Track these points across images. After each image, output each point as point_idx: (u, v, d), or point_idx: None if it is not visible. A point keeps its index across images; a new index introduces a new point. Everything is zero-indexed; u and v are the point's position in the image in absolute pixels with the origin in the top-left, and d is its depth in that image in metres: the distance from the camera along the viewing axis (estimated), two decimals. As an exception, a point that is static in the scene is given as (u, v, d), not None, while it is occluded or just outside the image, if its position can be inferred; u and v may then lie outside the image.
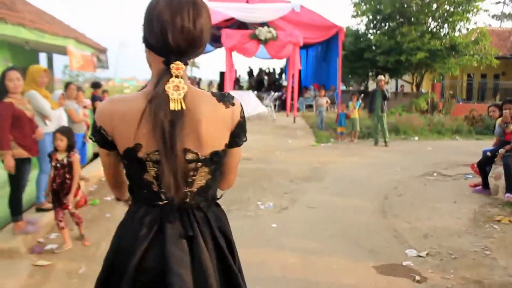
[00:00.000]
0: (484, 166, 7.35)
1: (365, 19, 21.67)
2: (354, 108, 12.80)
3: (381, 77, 12.24)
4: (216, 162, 1.55)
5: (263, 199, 6.59)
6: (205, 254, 1.50)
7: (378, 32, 20.91)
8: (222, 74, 25.41)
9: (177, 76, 1.40)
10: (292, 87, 16.02)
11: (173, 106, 1.38)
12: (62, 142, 4.63)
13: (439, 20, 19.81)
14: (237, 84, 22.15)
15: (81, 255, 4.51)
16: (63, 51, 10.34)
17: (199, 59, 42.15)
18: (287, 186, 7.51)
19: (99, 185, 7.56)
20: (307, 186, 7.52)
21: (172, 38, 1.39)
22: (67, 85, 7.60)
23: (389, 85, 25.82)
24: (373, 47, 20.90)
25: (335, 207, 6.28)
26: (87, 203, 5.45)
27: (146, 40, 1.48)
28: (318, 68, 21.95)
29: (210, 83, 28.39)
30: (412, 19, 19.51)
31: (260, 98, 16.16)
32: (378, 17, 20.92)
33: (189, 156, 1.47)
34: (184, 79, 1.43)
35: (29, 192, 5.30)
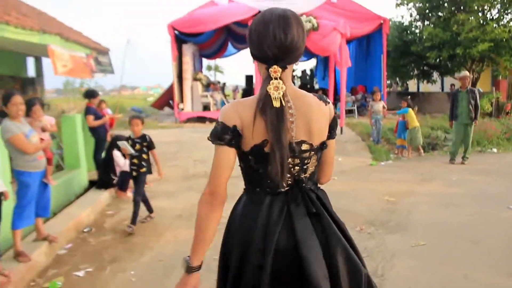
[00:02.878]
0: None
1: (411, 8, 18.82)
2: (415, 114, 10.08)
3: (465, 73, 9.46)
4: (322, 151, 1.83)
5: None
6: (333, 227, 1.78)
7: (428, 23, 18.03)
8: (248, 78, 23.00)
9: (276, 78, 1.65)
10: (336, 89, 13.31)
11: (275, 103, 1.63)
12: None
13: (499, 6, 16.74)
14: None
15: None
16: (44, 52, 7.94)
17: (223, 63, 39.96)
18: (357, 239, 4.85)
19: (75, 244, 5.11)
20: (389, 241, 4.86)
21: (267, 46, 1.64)
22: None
23: (436, 84, 22.88)
24: (422, 41, 18.02)
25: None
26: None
27: (251, 51, 1.72)
28: (358, 67, 19.21)
29: (236, 89, 25.97)
30: (467, 7, 16.57)
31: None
32: (427, 5, 18.01)
33: (304, 146, 1.74)
34: (285, 81, 1.66)
35: None
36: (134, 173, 5.63)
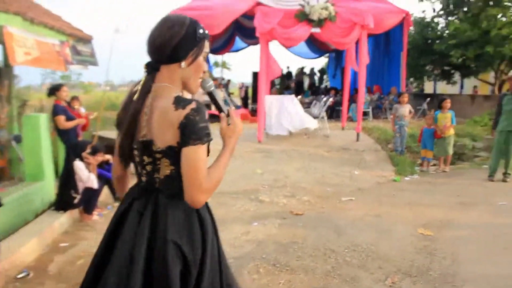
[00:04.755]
0: None
1: (435, 2, 17.26)
2: (448, 122, 8.55)
3: (513, 73, 7.98)
4: (178, 156, 1.68)
5: None
6: (142, 240, 1.71)
7: (453, 18, 16.46)
8: (255, 75, 21.50)
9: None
10: (352, 90, 11.73)
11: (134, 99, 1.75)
12: None
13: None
14: (273, 86, 18.01)
15: None
16: None
17: (230, 59, 38.51)
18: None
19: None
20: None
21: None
22: None
23: (454, 86, 21.28)
24: (445, 38, 16.46)
25: None
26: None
27: None
28: (374, 65, 17.61)
29: (242, 86, 24.46)
30: (499, 1, 14.98)
31: (302, 104, 12.06)
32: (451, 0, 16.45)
33: (154, 146, 1.71)
34: (157, 80, 1.75)
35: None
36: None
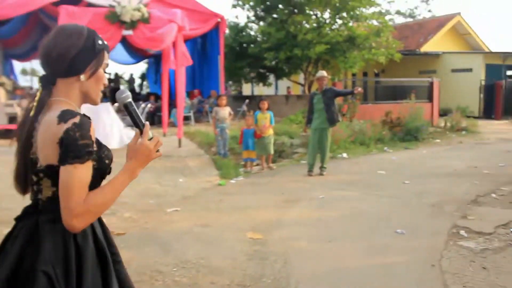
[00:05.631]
0: None
1: (247, 9, 17.88)
2: (268, 121, 8.70)
3: (322, 72, 8.30)
4: (54, 177, 1.53)
5: None
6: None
7: (263, 24, 17.26)
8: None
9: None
10: (174, 95, 11.25)
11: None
12: None
13: (331, 10, 16.69)
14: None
15: None
16: None
17: (38, 66, 35.21)
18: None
19: None
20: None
21: None
22: None
23: (270, 88, 22.49)
24: (258, 42, 17.16)
25: None
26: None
27: None
28: (193, 69, 17.52)
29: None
30: (302, 8, 16.16)
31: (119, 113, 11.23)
32: (262, 6, 17.21)
33: (39, 164, 1.55)
34: (54, 94, 1.61)
35: None
36: None
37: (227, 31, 16.91)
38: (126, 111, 1.68)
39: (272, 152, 9.01)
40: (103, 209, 1.56)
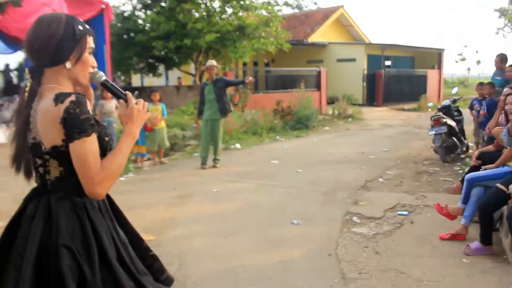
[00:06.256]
0: (493, 207, 3.92)
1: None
2: (159, 114, 8.31)
3: (212, 62, 8.00)
4: (64, 155, 1.60)
5: None
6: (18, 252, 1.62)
7: (152, 12, 16.57)
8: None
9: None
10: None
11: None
12: None
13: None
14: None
15: None
16: None
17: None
18: None
19: None
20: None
21: None
22: None
23: (161, 78, 21.83)
24: (146, 31, 16.47)
25: None
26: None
27: None
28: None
29: None
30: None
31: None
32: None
33: (43, 147, 1.63)
34: (43, 82, 1.66)
35: None
36: None
37: (113, 18, 16.02)
38: (105, 88, 1.76)
39: (167, 145, 8.69)
40: (119, 171, 1.65)
